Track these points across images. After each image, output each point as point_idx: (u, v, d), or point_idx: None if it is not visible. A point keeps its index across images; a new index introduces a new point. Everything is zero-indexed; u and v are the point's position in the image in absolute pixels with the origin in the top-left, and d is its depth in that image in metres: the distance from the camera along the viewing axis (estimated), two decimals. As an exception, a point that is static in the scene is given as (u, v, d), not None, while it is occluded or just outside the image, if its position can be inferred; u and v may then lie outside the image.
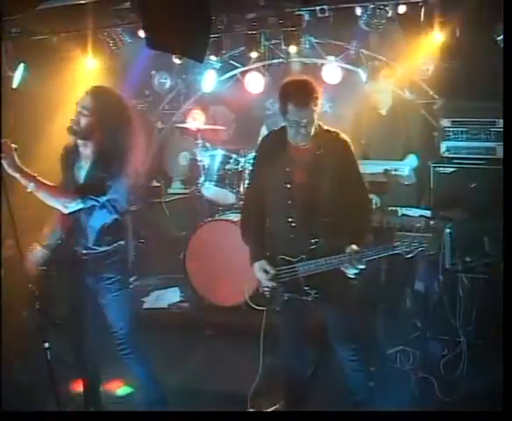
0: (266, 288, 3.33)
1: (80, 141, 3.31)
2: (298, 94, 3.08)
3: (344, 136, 3.27)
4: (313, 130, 3.13)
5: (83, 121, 3.21)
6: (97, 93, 3.27)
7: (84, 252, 3.37)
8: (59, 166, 3.45)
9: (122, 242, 3.43)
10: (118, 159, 3.25)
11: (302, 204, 3.18)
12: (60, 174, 3.44)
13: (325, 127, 3.26)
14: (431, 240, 3.00)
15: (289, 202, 3.20)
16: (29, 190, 3.08)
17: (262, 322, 3.46)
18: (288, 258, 3.23)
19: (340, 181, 3.14)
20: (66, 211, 3.22)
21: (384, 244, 3.08)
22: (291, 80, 3.21)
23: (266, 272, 3.29)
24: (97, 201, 3.24)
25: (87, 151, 3.32)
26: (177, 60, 6.32)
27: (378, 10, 5.22)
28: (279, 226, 3.26)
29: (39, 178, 3.11)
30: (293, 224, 3.20)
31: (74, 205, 3.19)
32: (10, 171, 3.01)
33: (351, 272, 3.08)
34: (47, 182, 3.16)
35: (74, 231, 3.38)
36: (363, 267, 3.05)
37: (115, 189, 3.27)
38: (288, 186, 3.20)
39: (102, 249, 3.36)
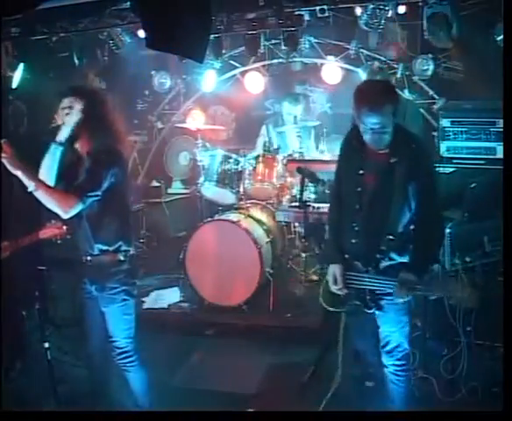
0: (338, 291, 3.22)
1: (71, 143, 3.25)
2: (371, 97, 2.91)
3: (424, 147, 3.10)
4: (389, 135, 2.94)
5: (69, 120, 3.18)
6: (77, 91, 3.25)
7: (89, 258, 3.28)
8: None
9: (127, 247, 3.36)
10: (105, 146, 3.20)
11: (368, 213, 3.06)
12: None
13: (408, 134, 3.07)
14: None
15: (357, 206, 3.08)
16: (29, 190, 3.06)
17: (341, 324, 3.39)
18: (356, 265, 3.14)
19: (410, 197, 2.96)
20: (65, 216, 3.15)
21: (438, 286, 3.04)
22: (366, 81, 3.11)
23: (335, 278, 3.18)
24: (96, 195, 3.16)
25: (75, 148, 3.28)
26: (177, 61, 6.33)
27: (378, 10, 5.23)
28: (345, 229, 3.17)
29: (40, 178, 3.09)
30: (356, 229, 3.09)
31: (74, 209, 3.13)
32: (11, 169, 3.00)
33: (396, 298, 3.02)
34: (48, 184, 3.12)
35: (77, 233, 3.32)
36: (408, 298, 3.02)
37: (110, 179, 3.19)
38: (359, 189, 3.08)
39: (107, 252, 3.28)
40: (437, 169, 4.41)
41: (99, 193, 3.16)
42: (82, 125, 3.19)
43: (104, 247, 3.25)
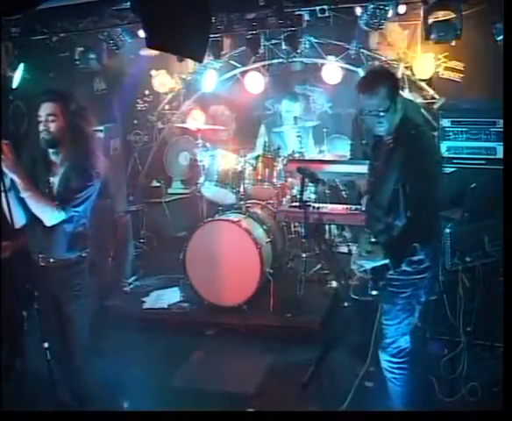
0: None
1: (51, 150, 3.26)
2: (366, 81, 3.12)
3: (425, 135, 3.15)
4: (387, 120, 3.03)
5: (52, 127, 3.19)
6: (56, 97, 3.24)
7: (51, 260, 3.29)
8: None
9: (86, 252, 3.38)
10: (89, 161, 3.25)
11: (370, 198, 3.26)
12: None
13: (411, 122, 3.13)
14: None
15: (366, 194, 3.33)
16: (21, 196, 3.08)
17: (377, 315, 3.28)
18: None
19: (404, 186, 2.99)
20: (48, 224, 3.17)
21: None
22: (368, 69, 3.24)
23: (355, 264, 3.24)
24: (77, 211, 3.22)
25: (58, 159, 3.28)
26: (177, 61, 6.33)
27: (378, 10, 5.22)
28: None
29: (33, 185, 3.11)
30: (363, 209, 3.32)
31: (57, 217, 3.16)
32: (7, 171, 3.01)
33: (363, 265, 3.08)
34: (39, 190, 3.15)
35: (37, 238, 3.29)
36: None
37: (89, 197, 3.25)
38: (371, 179, 3.27)
39: (69, 256, 3.31)
40: (438, 162, 4.40)
41: (79, 211, 3.23)
42: (64, 133, 3.21)
43: (68, 249, 3.30)
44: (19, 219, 3.19)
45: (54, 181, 3.28)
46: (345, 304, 4.02)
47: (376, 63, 5.59)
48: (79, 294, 3.36)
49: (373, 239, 3.01)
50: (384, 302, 3.18)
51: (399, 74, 3.24)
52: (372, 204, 3.26)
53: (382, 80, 3.04)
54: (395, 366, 3.18)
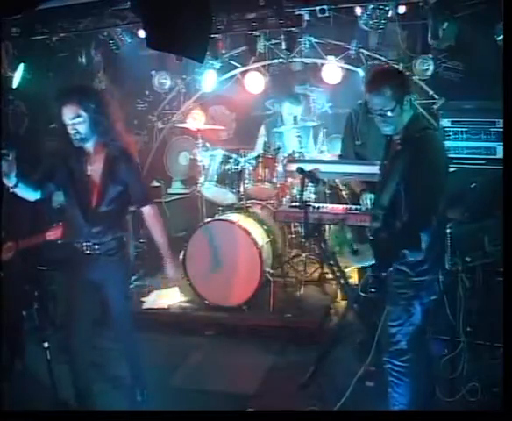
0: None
1: (84, 144, 3.38)
2: (371, 80, 3.12)
3: (431, 143, 3.02)
4: (393, 120, 3.00)
5: (81, 128, 3.27)
6: (75, 97, 3.30)
7: (96, 247, 3.42)
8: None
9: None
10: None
11: (376, 196, 3.30)
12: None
13: (419, 124, 3.05)
14: None
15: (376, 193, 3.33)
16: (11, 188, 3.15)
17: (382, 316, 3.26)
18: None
19: (406, 192, 2.95)
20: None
21: None
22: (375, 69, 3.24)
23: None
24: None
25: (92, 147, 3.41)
26: (177, 61, 6.33)
27: (378, 10, 5.22)
28: None
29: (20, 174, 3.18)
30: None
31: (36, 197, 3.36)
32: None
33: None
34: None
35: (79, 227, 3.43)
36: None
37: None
38: (380, 178, 3.28)
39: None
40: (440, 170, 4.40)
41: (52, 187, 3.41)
42: (94, 125, 3.33)
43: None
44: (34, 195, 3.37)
45: (93, 169, 3.39)
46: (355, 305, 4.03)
47: (376, 63, 5.58)
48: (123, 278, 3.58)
49: (355, 247, 2.99)
50: (386, 302, 3.17)
51: (407, 75, 3.19)
52: (376, 203, 3.27)
53: (388, 79, 3.02)
54: (396, 368, 3.14)
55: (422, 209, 2.92)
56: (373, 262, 2.97)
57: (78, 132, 3.26)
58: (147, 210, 3.59)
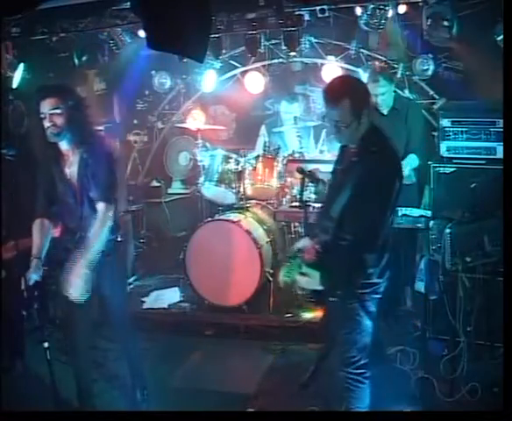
0: None
1: (61, 142, 3.34)
2: (328, 91, 2.89)
3: (389, 159, 2.88)
4: (351, 132, 2.85)
5: (59, 120, 3.24)
6: (55, 91, 3.30)
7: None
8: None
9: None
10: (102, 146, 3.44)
11: (325, 205, 3.12)
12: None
13: (376, 137, 2.92)
14: None
15: (326, 199, 3.15)
16: None
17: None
18: None
19: (356, 207, 2.79)
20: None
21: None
22: (334, 77, 3.03)
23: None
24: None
25: (70, 147, 3.37)
26: (177, 61, 6.32)
27: (378, 10, 5.22)
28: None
29: None
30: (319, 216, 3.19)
31: None
32: None
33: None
34: None
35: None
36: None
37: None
38: (330, 183, 3.19)
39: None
40: (437, 169, 4.40)
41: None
42: (71, 122, 3.32)
43: None
44: None
45: (71, 171, 3.36)
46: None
47: (376, 63, 5.58)
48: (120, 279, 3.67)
49: (304, 269, 2.93)
50: (332, 309, 3.12)
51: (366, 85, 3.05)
52: (325, 212, 3.05)
53: (346, 93, 2.81)
54: (350, 375, 3.01)
55: (368, 231, 2.77)
56: (320, 288, 2.87)
57: (54, 125, 3.22)
58: (100, 207, 3.37)
